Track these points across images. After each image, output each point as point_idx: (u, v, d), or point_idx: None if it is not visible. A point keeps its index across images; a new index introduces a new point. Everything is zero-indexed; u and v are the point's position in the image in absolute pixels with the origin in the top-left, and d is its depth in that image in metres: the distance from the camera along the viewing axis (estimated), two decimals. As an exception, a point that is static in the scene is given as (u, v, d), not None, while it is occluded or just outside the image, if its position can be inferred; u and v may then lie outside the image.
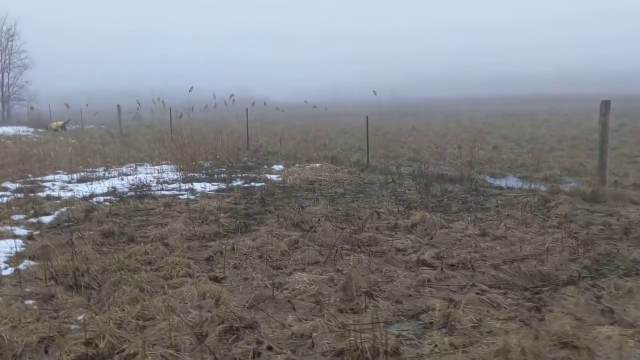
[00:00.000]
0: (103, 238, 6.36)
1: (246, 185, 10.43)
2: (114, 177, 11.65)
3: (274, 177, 11.30)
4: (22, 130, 31.92)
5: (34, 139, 24.11)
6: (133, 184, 10.59)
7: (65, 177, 11.61)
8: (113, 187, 10.13)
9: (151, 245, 5.82)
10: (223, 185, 10.32)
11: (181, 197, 9.25)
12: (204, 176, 11.57)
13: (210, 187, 10.20)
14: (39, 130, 31.50)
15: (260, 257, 5.52)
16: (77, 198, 9.10)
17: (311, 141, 17.56)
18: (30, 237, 6.49)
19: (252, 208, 8.12)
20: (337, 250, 5.44)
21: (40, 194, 9.52)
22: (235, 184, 10.57)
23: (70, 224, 7.17)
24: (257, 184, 10.48)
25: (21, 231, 6.85)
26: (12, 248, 5.98)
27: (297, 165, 13.10)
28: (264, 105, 14.86)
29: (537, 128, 23.02)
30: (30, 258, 5.66)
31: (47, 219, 7.55)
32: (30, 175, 12.02)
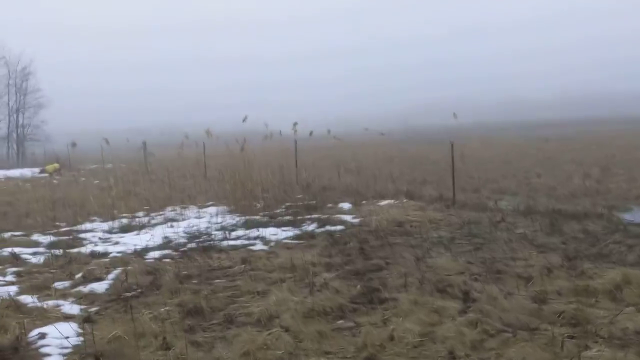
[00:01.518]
0: (189, 318, 4.61)
1: (321, 229, 8.70)
2: (160, 223, 9.96)
3: (348, 217, 9.57)
4: (37, 171, 30.57)
5: (54, 181, 22.63)
6: (188, 233, 8.88)
7: (104, 226, 9.93)
8: (166, 238, 8.44)
9: (268, 332, 4.07)
10: (296, 231, 8.58)
11: (253, 248, 7.52)
12: (265, 219, 9.85)
13: (281, 233, 8.47)
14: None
15: (452, 355, 3.71)
16: (129, 254, 7.39)
17: (363, 173, 15.85)
18: (87, 319, 4.75)
19: (355, 262, 6.36)
20: (562, 340, 3.64)
21: (81, 249, 7.82)
22: (308, 228, 8.85)
23: (134, 294, 5.44)
24: (333, 227, 8.75)
25: (72, 308, 5.13)
26: (65, 338, 4.25)
27: (364, 202, 11.38)
28: (309, 135, 13.17)
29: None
30: (96, 358, 3.92)
31: (100, 287, 5.83)
32: (62, 225, 10.36)
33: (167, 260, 6.97)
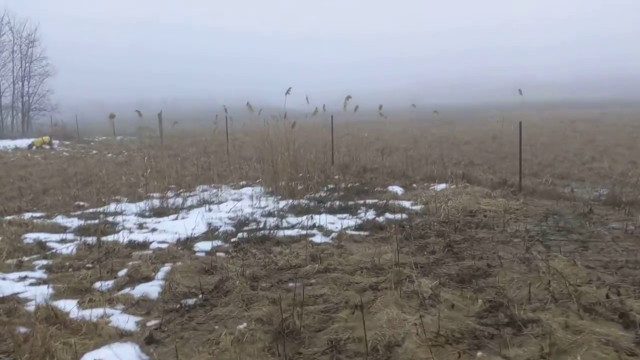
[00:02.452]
0: (280, 341, 3.62)
1: (381, 217, 7.70)
2: (197, 206, 8.95)
3: (406, 204, 8.56)
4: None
5: (65, 154, 21.58)
6: (233, 219, 7.88)
7: (132, 207, 8.92)
8: (210, 224, 7.44)
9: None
10: (356, 219, 7.58)
11: (315, 240, 6.53)
12: (313, 204, 8.83)
13: (338, 221, 7.47)
14: (65, 142, 29.03)
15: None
16: (174, 245, 6.39)
17: (397, 154, 14.78)
18: (150, 340, 3.77)
19: (448, 264, 5.37)
20: None
21: (116, 237, 6.82)
22: (367, 216, 7.84)
23: (198, 301, 4.46)
24: (394, 216, 7.75)
25: (126, 320, 4.14)
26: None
27: (414, 185, 10.37)
28: (355, 110, 11.91)
29: None
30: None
31: (151, 289, 4.85)
32: (85, 205, 9.36)
33: (221, 254, 5.97)
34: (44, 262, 5.77)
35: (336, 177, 11.71)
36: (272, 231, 6.91)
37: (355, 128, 22.35)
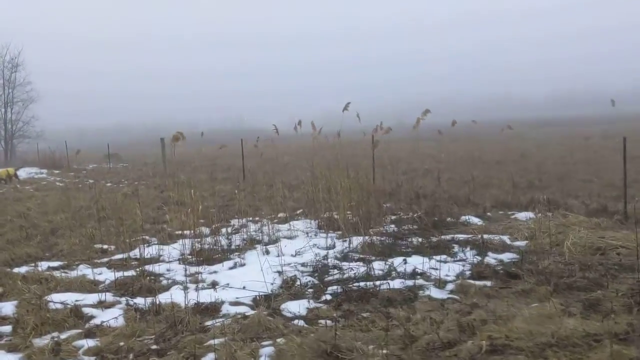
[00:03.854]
0: None
1: (479, 256, 6.27)
2: (247, 247, 7.41)
3: (503, 238, 7.13)
4: (33, 171, 27.60)
5: (58, 184, 19.79)
6: (304, 264, 6.37)
7: (169, 251, 7.35)
8: (279, 273, 5.92)
9: None
10: (462, 263, 6.11)
11: (431, 294, 5.05)
12: (389, 241, 7.35)
13: (439, 265, 5.97)
14: (54, 171, 27.16)
15: None
16: (254, 308, 4.84)
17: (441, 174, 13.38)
18: None
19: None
20: None
21: (168, 295, 5.24)
22: (465, 255, 6.40)
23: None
24: (500, 255, 6.33)
25: None
26: None
27: (488, 214, 8.96)
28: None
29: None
30: None
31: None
32: (109, 248, 7.76)
33: (326, 321, 4.44)
34: (90, 342, 4.18)
35: (386, 205, 10.24)
36: (368, 283, 5.39)
37: (359, 148, 21.02)
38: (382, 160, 14.62)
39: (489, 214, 9.02)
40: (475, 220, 8.52)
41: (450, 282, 5.45)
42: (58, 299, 5.23)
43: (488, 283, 5.35)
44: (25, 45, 43.45)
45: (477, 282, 5.38)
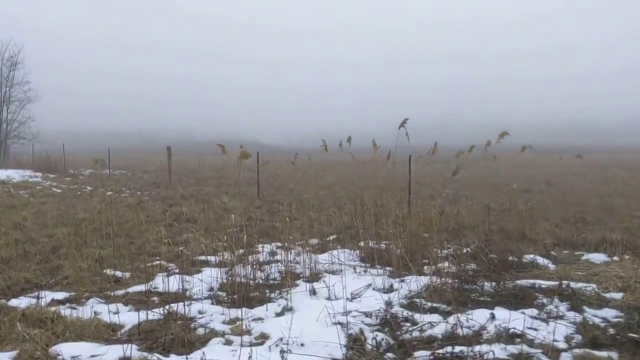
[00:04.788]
0: None
1: (571, 312, 5.19)
2: (288, 284, 6.25)
3: (592, 287, 6.04)
4: (27, 174, 26.28)
5: (54, 190, 18.52)
6: (367, 313, 5.21)
7: (196, 284, 6.18)
8: (343, 326, 4.77)
9: None
10: (566, 324, 5.00)
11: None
12: (455, 283, 6.23)
13: (532, 322, 4.88)
14: (50, 175, 25.84)
15: None
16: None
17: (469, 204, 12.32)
18: None
19: None
20: None
21: (207, 354, 4.08)
22: (553, 308, 5.30)
23: None
24: (598, 311, 5.25)
25: None
26: None
27: (552, 253, 7.89)
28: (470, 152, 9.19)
29: None
30: None
31: None
32: (121, 276, 6.60)
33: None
34: None
35: (426, 234, 9.13)
36: (465, 349, 4.27)
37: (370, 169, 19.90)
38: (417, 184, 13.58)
39: (552, 253, 7.94)
40: (541, 260, 7.44)
41: (564, 350, 4.34)
42: (68, 352, 4.09)
43: (614, 355, 4.25)
44: (25, 42, 42.16)
45: (599, 353, 4.27)
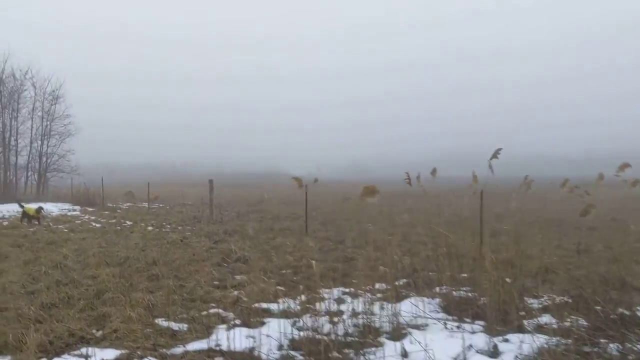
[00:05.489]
0: None
1: None
2: (368, 342, 5.32)
3: None
4: (65, 208, 26.11)
5: (94, 224, 18.06)
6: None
7: (263, 340, 5.29)
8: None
9: None
10: None
11: None
12: (569, 345, 5.18)
13: None
14: (88, 209, 25.58)
15: None
16: None
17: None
18: None
19: None
20: None
21: None
22: None
23: None
24: None
25: None
26: None
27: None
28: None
29: None
30: None
31: None
32: (177, 329, 5.76)
33: None
34: None
35: (508, 279, 8.06)
36: None
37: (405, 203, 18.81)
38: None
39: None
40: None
41: None
42: None
43: None
44: (66, 78, 43.09)
45: None
